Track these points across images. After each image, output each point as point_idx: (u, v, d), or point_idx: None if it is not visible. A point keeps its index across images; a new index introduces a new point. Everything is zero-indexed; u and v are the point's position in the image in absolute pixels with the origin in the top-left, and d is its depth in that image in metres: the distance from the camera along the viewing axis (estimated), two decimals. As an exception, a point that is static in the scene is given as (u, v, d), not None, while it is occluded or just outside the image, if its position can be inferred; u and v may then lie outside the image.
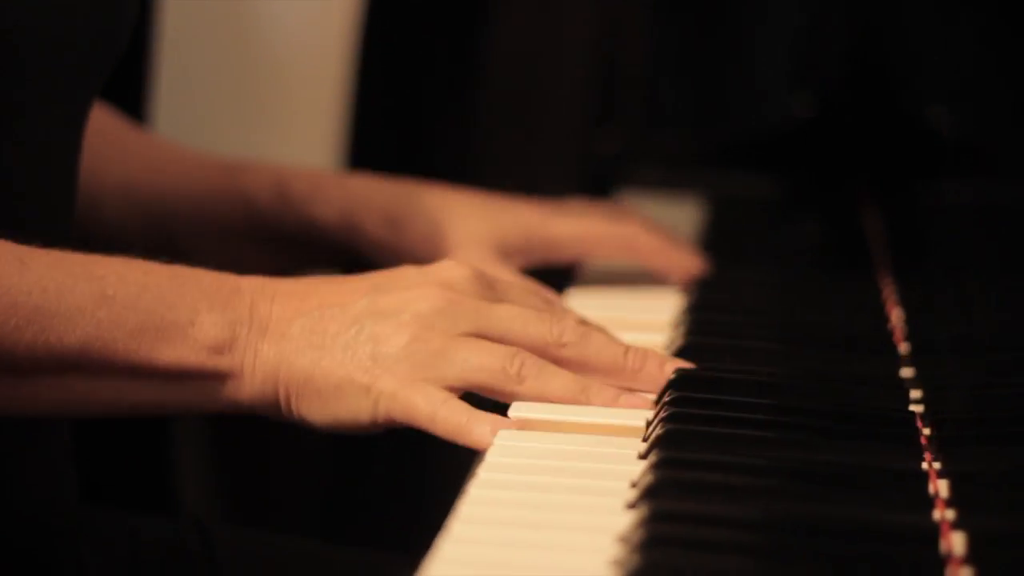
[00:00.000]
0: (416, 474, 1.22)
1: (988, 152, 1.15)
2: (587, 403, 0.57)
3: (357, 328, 0.55)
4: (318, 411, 0.56)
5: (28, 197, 0.60)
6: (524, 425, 0.55)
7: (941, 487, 0.47)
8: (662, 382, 0.58)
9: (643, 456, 0.51)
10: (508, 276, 0.71)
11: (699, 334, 0.70)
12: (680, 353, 0.64)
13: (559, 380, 0.56)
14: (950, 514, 0.43)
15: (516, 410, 0.56)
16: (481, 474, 0.48)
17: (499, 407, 0.57)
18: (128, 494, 1.17)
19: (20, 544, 0.61)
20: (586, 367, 0.58)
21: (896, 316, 0.76)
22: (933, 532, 0.42)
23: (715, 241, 1.01)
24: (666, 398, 0.56)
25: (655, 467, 0.47)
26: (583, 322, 0.61)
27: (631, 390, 0.58)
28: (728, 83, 1.28)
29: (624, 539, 0.40)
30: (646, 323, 0.74)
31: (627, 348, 0.59)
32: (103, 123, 0.84)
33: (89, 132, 0.78)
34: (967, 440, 0.53)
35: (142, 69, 1.24)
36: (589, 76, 1.33)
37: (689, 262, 0.85)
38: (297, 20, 1.38)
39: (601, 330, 0.61)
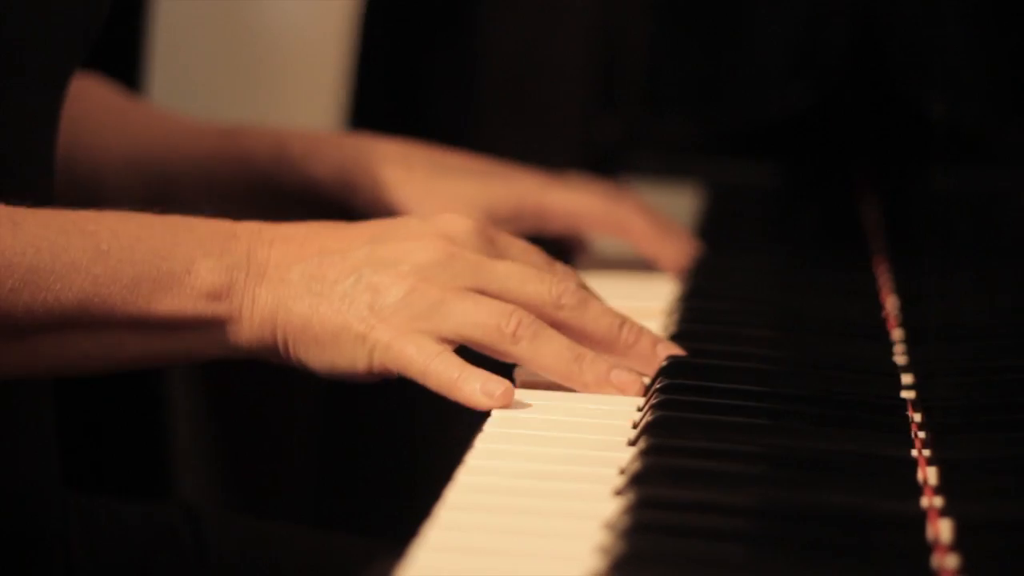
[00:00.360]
0: (411, 460, 1.22)
1: (986, 140, 1.15)
2: (579, 374, 0.56)
3: (356, 277, 0.55)
4: (315, 357, 0.56)
5: (10, 171, 0.60)
6: (515, 404, 0.55)
7: (930, 474, 0.47)
8: (653, 362, 0.58)
9: (632, 443, 0.50)
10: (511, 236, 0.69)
11: (693, 321, 0.71)
12: (673, 340, 0.64)
13: (554, 345, 0.56)
14: (938, 501, 0.43)
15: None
16: (470, 461, 0.48)
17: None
18: (122, 481, 1.17)
19: (4, 529, 0.60)
20: (581, 333, 0.58)
21: (891, 304, 0.76)
22: (920, 519, 0.42)
23: (713, 229, 1.01)
24: (657, 385, 0.56)
25: (643, 454, 0.47)
26: (583, 286, 0.60)
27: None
28: (727, 71, 1.28)
29: (610, 526, 0.40)
30: (641, 310, 0.73)
31: (624, 320, 0.59)
32: (101, 96, 0.84)
33: (88, 106, 0.78)
34: (957, 427, 0.53)
35: (137, 42, 1.24)
36: (588, 63, 1.33)
37: (680, 250, 0.84)
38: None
39: (600, 299, 0.60)
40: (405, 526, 0.46)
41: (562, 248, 0.89)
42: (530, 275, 0.58)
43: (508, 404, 0.54)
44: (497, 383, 0.54)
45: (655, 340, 0.60)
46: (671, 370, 0.58)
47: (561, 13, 1.35)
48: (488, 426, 0.53)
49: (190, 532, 0.69)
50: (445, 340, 0.55)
